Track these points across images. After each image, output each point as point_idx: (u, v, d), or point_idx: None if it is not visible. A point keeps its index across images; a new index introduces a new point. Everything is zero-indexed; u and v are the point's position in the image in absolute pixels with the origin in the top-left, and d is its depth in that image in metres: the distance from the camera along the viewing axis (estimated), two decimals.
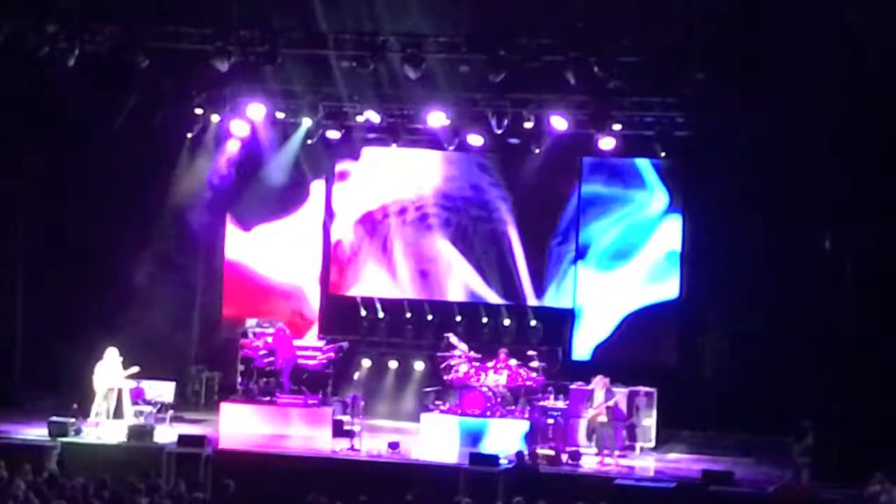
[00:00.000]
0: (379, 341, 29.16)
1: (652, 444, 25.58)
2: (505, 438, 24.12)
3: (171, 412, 25.43)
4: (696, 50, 22.94)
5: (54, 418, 23.35)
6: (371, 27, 24.01)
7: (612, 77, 23.40)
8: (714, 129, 26.09)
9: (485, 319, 28.87)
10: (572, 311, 28.68)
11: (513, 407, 25.12)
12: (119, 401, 24.70)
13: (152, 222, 28.50)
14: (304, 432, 24.52)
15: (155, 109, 27.16)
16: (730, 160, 26.04)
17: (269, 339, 26.63)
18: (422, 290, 29.40)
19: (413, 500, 18.59)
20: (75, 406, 24.31)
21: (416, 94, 26.19)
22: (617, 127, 26.35)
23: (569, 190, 28.79)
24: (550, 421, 24.64)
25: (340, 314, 29.67)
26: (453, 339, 26.20)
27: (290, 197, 29.65)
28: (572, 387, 25.30)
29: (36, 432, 23.47)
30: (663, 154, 27.18)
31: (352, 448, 23.71)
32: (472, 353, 25.93)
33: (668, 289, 28.08)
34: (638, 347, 27.94)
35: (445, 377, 25.94)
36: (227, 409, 25.19)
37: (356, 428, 24.17)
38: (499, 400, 24.94)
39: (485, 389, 25.01)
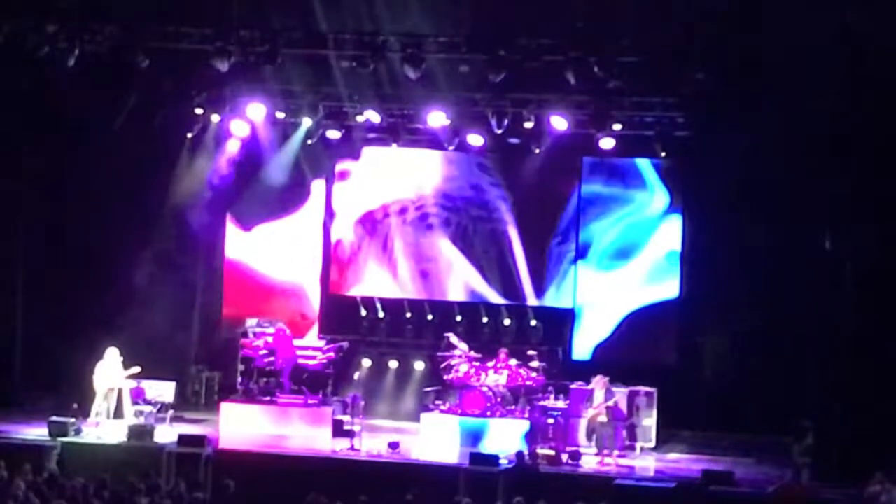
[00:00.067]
0: (379, 341, 29.17)
1: (652, 444, 25.58)
2: (505, 438, 24.11)
3: (171, 412, 25.43)
4: (696, 50, 22.93)
5: (54, 418, 23.35)
6: (371, 27, 24.00)
7: (612, 77, 23.40)
8: (714, 129, 26.07)
9: (485, 319, 28.88)
10: (572, 311, 28.69)
11: (513, 407, 25.12)
12: (119, 401, 24.69)
13: (152, 222, 28.50)
14: (304, 432, 24.50)
15: (155, 109, 27.17)
16: (730, 160, 26.01)
17: (270, 339, 26.61)
18: (422, 289, 29.41)
19: (413, 500, 18.59)
20: (75, 406, 24.31)
21: (416, 94, 26.19)
22: (617, 127, 26.35)
23: (569, 190, 28.80)
24: (550, 421, 24.63)
25: (340, 314, 29.68)
26: (453, 338, 26.20)
27: (290, 197, 29.67)
28: (572, 387, 25.30)
29: (36, 432, 23.47)
30: (663, 154, 27.18)
31: (352, 448, 23.72)
32: (473, 353, 25.92)
33: (668, 289, 28.09)
34: (638, 347, 27.94)
35: (445, 377, 25.94)
36: (227, 409, 25.18)
37: (356, 428, 24.18)
38: (499, 400, 24.94)
39: (485, 389, 25.01)
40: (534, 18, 23.45)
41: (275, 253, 29.80)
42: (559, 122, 26.39)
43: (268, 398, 25.56)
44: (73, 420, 23.48)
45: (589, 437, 24.44)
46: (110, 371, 24.56)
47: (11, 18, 23.64)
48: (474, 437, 24.41)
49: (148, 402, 25.14)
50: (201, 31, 24.03)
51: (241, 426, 24.72)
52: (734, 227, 26.74)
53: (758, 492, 21.43)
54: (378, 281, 29.60)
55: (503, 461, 22.22)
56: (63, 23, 23.75)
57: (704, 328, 27.92)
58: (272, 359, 26.33)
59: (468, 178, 29.30)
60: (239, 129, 28.33)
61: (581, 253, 28.66)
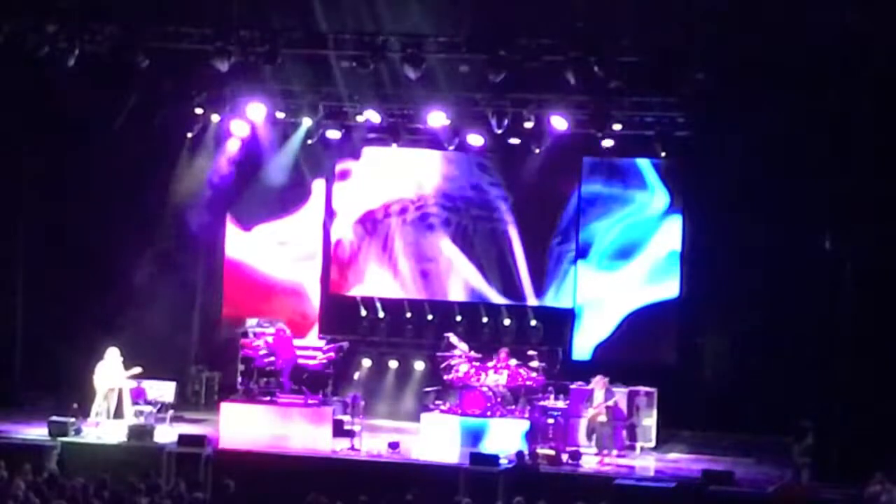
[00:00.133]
0: (379, 341, 29.17)
1: (652, 444, 25.59)
2: (505, 438, 24.10)
3: (171, 412, 25.44)
4: (696, 50, 22.92)
5: (54, 418, 23.36)
6: (371, 27, 24.00)
7: (612, 77, 23.40)
8: (714, 129, 26.08)
9: (485, 319, 28.88)
10: (572, 310, 28.69)
11: (513, 407, 25.11)
12: (119, 401, 24.69)
13: (152, 222, 28.50)
14: (305, 432, 24.49)
15: (155, 109, 27.17)
16: (730, 160, 26.04)
17: (270, 339, 26.58)
18: (422, 289, 29.41)
19: (413, 500, 18.59)
20: (75, 406, 24.31)
21: (416, 94, 26.19)
22: (617, 127, 26.34)
23: (569, 190, 28.81)
24: (550, 421, 24.62)
25: (341, 314, 29.68)
26: (453, 338, 26.19)
27: (290, 197, 29.67)
28: (572, 387, 25.30)
29: (36, 432, 23.48)
30: (663, 154, 27.18)
31: (352, 448, 23.73)
32: (473, 353, 25.91)
33: (669, 289, 28.10)
34: (638, 347, 27.95)
35: (445, 377, 25.93)
36: (227, 409, 25.16)
37: (356, 428, 24.18)
38: (499, 400, 24.93)
39: (485, 389, 25.00)
40: (534, 18, 23.45)
41: (275, 253, 29.80)
42: (559, 122, 26.39)
43: (268, 398, 25.53)
44: (73, 420, 23.48)
45: (589, 437, 24.44)
46: (110, 371, 24.56)
47: (11, 18, 23.63)
48: (474, 437, 24.40)
49: (148, 402, 25.14)
50: (201, 31, 24.02)
51: (241, 426, 24.69)
52: (734, 227, 26.74)
53: (758, 492, 21.43)
54: (378, 281, 29.60)
55: (503, 461, 22.22)
56: (63, 23, 23.74)
57: (704, 328, 27.91)
58: (272, 359, 26.30)
59: (468, 178, 29.30)
60: (239, 129, 28.34)
61: (581, 253, 28.67)
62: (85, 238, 27.38)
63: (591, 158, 28.38)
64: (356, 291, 29.68)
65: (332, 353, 26.78)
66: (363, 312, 29.46)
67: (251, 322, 27.75)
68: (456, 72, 25.02)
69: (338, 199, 29.80)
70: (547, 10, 23.29)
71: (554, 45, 23.29)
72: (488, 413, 24.72)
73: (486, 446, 23.79)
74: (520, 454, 22.16)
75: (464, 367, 25.67)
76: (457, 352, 25.96)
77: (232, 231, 29.87)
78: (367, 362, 28.17)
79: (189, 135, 28.31)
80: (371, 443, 23.98)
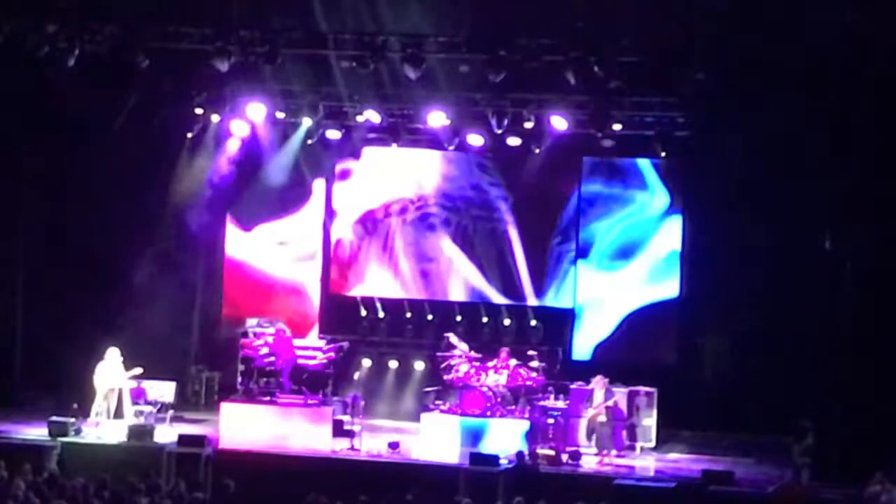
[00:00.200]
0: (379, 341, 29.17)
1: (652, 444, 25.58)
2: (505, 438, 24.10)
3: (171, 412, 25.44)
4: (696, 50, 22.92)
5: (54, 418, 23.36)
6: (371, 27, 24.01)
7: (612, 77, 23.40)
8: (714, 129, 26.08)
9: (485, 319, 28.88)
10: (572, 310, 28.69)
11: (513, 407, 25.11)
12: (119, 401, 24.69)
13: (152, 222, 28.50)
14: (305, 432, 24.48)
15: (155, 109, 27.16)
16: (730, 160, 26.04)
17: (270, 339, 26.59)
18: (422, 289, 29.41)
19: (413, 500, 18.59)
20: (75, 406, 24.32)
21: (416, 94, 26.19)
22: (617, 127, 26.33)
23: (569, 190, 28.81)
24: (550, 421, 24.61)
25: (341, 314, 29.68)
26: (453, 338, 26.18)
27: (290, 197, 29.67)
28: (572, 387, 25.30)
29: (36, 432, 23.47)
30: (663, 154, 27.17)
31: (352, 448, 23.73)
32: (473, 353, 25.91)
33: (669, 289, 28.09)
34: (638, 347, 27.95)
35: (446, 377, 25.93)
36: (227, 409, 25.15)
37: (356, 428, 24.18)
38: (499, 400, 24.93)
39: (485, 389, 24.99)
40: (534, 18, 23.45)
41: (275, 253, 29.80)
42: (559, 122, 26.39)
43: (268, 398, 25.52)
44: (73, 420, 23.48)
45: (589, 437, 24.44)
46: (111, 371, 24.56)
47: (11, 18, 23.62)
48: (474, 437, 24.39)
49: (148, 402, 25.15)
50: (201, 31, 24.03)
51: (241, 426, 24.68)
52: (734, 227, 26.74)
53: (758, 492, 21.43)
54: (378, 281, 29.60)
55: (503, 461, 22.22)
56: (63, 23, 23.74)
57: (704, 328, 27.91)
58: (272, 359, 26.30)
59: (468, 178, 29.30)
60: (239, 129, 28.33)
61: (581, 253, 28.66)
62: (85, 238, 27.38)
63: (592, 158, 28.39)
64: (356, 291, 29.68)
65: (332, 353, 26.77)
66: (363, 312, 29.46)
67: (251, 322, 27.76)
68: (456, 72, 25.01)
69: (338, 198, 29.80)
70: (547, 10, 23.30)
71: (554, 45, 23.29)
72: (488, 413, 24.71)
73: (486, 446, 23.78)
74: (520, 454, 22.15)
75: (464, 367, 25.67)
76: (457, 352, 25.96)
77: (232, 231, 29.87)
78: (367, 362, 28.17)
79: (189, 135, 28.30)
80: (371, 443, 23.98)
